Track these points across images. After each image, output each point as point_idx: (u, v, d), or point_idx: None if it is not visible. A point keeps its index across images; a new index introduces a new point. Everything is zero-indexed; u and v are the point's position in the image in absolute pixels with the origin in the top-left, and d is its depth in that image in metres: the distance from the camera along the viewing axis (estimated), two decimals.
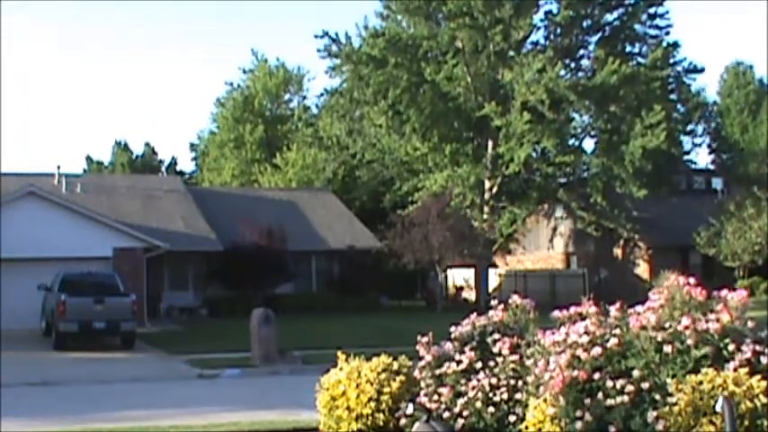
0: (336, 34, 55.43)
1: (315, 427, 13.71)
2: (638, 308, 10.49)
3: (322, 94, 69.24)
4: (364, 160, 60.33)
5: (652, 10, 56.01)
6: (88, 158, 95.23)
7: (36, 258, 39.23)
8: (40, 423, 16.21)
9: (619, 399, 9.35)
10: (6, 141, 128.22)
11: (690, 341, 9.63)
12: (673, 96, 56.97)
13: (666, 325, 9.89)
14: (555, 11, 55.18)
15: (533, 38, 56.77)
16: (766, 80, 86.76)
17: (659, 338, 9.71)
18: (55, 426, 15.79)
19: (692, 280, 10.70)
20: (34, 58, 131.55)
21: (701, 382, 9.00)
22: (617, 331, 10.01)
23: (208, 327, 41.96)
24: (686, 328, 9.67)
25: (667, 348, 9.59)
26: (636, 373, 9.50)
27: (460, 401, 11.63)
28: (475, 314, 12.66)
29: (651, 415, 9.14)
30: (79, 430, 15.29)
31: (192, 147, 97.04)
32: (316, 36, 55.24)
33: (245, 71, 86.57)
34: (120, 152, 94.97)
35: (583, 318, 10.62)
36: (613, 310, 10.62)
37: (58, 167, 51.71)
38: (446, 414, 11.65)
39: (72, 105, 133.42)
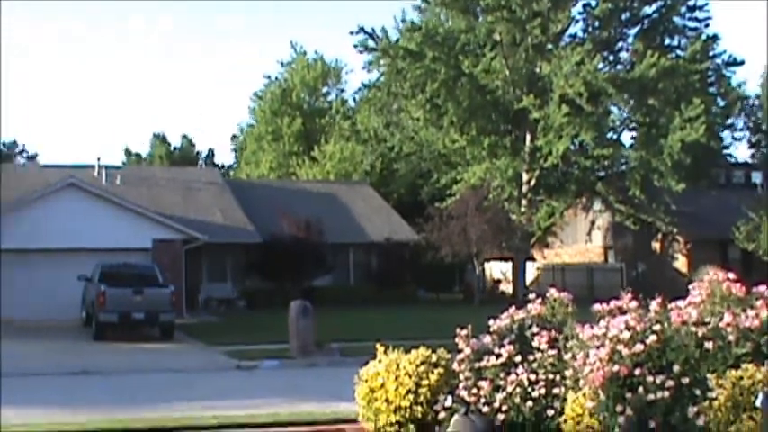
0: (373, 29, 55.57)
1: (353, 419, 13.77)
2: (679, 302, 10.47)
3: (360, 89, 69.44)
4: (402, 153, 60.28)
5: (691, 2, 55.68)
6: (127, 151, 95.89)
7: (76, 249, 39.51)
8: (79, 412, 16.33)
9: (659, 394, 9.35)
10: (47, 133, 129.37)
11: (731, 337, 9.61)
12: (712, 90, 56.63)
13: (707, 320, 9.88)
14: (593, 3, 54.94)
15: (571, 30, 56.66)
16: None
17: (700, 334, 9.70)
18: (96, 415, 15.92)
19: (731, 275, 10.68)
20: (74, 51, 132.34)
21: (741, 378, 8.99)
22: (657, 327, 9.99)
23: (246, 318, 42.11)
24: (728, 324, 9.65)
25: (708, 344, 9.58)
26: (676, 368, 9.49)
27: (499, 396, 11.66)
28: (513, 307, 12.67)
29: (691, 410, 9.15)
30: (120, 419, 15.41)
31: (233, 138, 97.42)
32: (351, 33, 55.42)
33: (283, 64, 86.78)
34: (158, 144, 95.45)
35: (622, 312, 10.61)
36: (654, 305, 10.60)
37: (98, 159, 52.06)
38: (485, 408, 11.67)
39: (112, 97, 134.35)
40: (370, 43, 55.70)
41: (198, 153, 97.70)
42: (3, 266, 38.96)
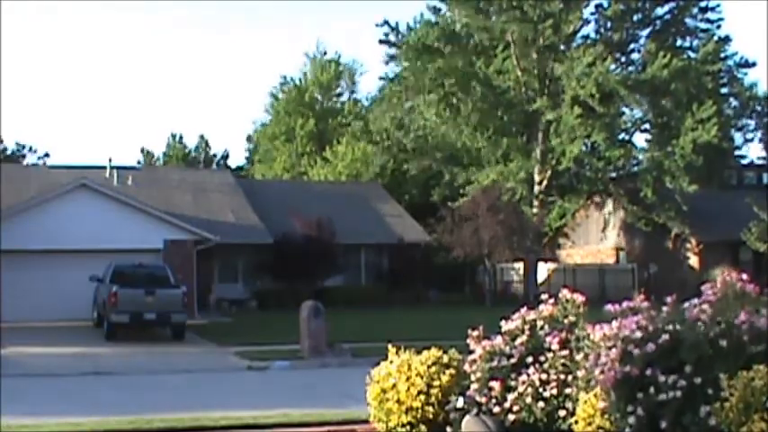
0: (396, 23, 55.93)
1: (365, 420, 13.79)
2: (693, 301, 10.44)
3: (378, 92, 69.67)
4: (414, 153, 60.19)
5: (703, 3, 55.69)
6: (143, 150, 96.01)
7: (88, 250, 39.58)
8: (90, 413, 16.37)
9: (671, 394, 9.33)
10: (59, 134, 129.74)
11: (745, 337, 9.59)
12: (724, 91, 56.61)
13: (719, 320, 9.85)
14: (605, 4, 55.00)
15: (584, 32, 56.65)
16: None
17: (712, 334, 9.68)
18: (107, 416, 15.95)
19: (744, 275, 10.65)
20: (90, 49, 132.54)
21: (753, 379, 8.96)
22: (669, 327, 9.96)
23: (257, 319, 42.18)
24: (742, 323, 9.63)
25: (722, 343, 9.55)
26: (688, 368, 9.47)
27: (511, 396, 11.66)
28: (525, 308, 12.66)
29: (703, 410, 9.13)
30: (131, 420, 15.44)
31: (249, 139, 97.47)
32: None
33: (304, 58, 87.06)
34: (174, 145, 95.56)
35: (635, 312, 10.59)
36: (666, 305, 10.56)
37: (110, 160, 52.10)
38: (496, 409, 11.68)
39: (127, 97, 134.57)
40: (392, 37, 56.01)
41: (213, 155, 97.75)
42: (15, 268, 39.11)
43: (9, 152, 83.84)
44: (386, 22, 55.64)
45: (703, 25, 56.20)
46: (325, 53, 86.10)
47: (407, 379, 12.67)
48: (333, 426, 14.78)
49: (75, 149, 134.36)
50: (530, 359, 11.83)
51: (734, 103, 57.98)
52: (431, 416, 12.45)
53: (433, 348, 13.20)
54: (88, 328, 35.83)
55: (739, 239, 53.46)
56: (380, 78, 65.17)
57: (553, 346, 11.71)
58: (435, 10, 59.15)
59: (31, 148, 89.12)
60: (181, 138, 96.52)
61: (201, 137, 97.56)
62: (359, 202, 59.19)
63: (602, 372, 9.99)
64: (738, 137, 60.82)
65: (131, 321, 32.30)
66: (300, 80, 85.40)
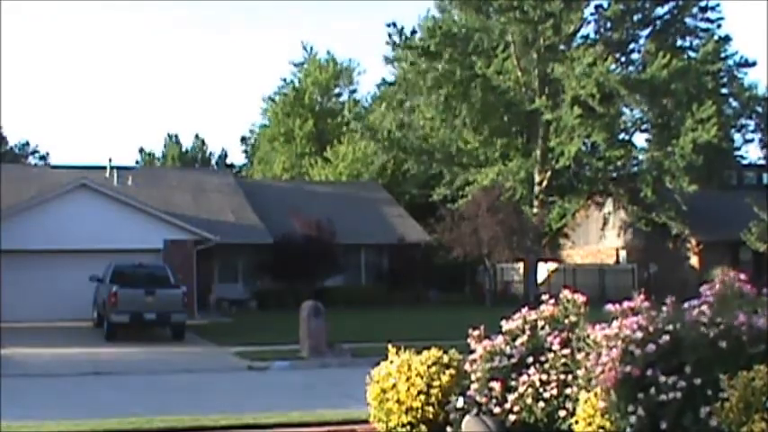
0: (402, 27, 55.85)
1: (365, 420, 13.77)
2: (692, 302, 10.43)
3: (378, 87, 69.81)
4: (414, 153, 60.12)
5: (703, 3, 55.68)
6: (141, 150, 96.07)
7: (88, 250, 39.58)
8: (90, 413, 16.35)
9: (671, 394, 9.31)
10: (59, 134, 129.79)
11: (744, 338, 9.58)
12: (724, 91, 56.59)
13: (718, 320, 9.84)
14: (605, 5, 55.04)
15: (583, 32, 56.67)
16: None
17: (712, 335, 9.66)
18: (107, 416, 15.93)
19: (742, 276, 10.64)
20: (90, 49, 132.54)
21: (753, 379, 8.95)
22: (670, 327, 9.95)
23: (257, 319, 42.18)
24: (741, 324, 9.62)
25: (721, 344, 9.54)
26: (688, 369, 9.46)
27: (511, 397, 11.64)
28: (525, 308, 12.65)
29: (703, 411, 9.12)
30: (131, 421, 15.42)
31: (243, 140, 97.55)
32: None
33: (295, 64, 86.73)
34: (171, 145, 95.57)
35: (635, 313, 10.57)
36: (666, 306, 10.54)
37: (110, 160, 52.11)
38: (497, 409, 11.66)
39: (127, 97, 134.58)
40: (396, 39, 55.92)
41: (210, 154, 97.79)
42: (15, 268, 39.13)
43: (10, 149, 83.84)
44: (393, 24, 55.62)
45: (703, 25, 56.22)
46: (315, 54, 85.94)
47: (407, 379, 12.65)
48: (333, 426, 14.75)
49: (75, 149, 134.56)
50: (530, 359, 11.80)
51: (734, 103, 57.92)
52: (431, 416, 12.42)
53: (433, 348, 13.16)
54: (88, 328, 35.87)
55: (739, 239, 53.45)
56: (378, 84, 65.44)
57: (554, 345, 11.68)
58: (441, 10, 59.20)
59: (28, 144, 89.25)
60: (177, 138, 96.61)
61: (197, 136, 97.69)
62: (359, 202, 59.18)
63: (602, 371, 9.98)
64: (738, 137, 60.72)
65: (131, 321, 32.34)
66: (299, 81, 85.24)
